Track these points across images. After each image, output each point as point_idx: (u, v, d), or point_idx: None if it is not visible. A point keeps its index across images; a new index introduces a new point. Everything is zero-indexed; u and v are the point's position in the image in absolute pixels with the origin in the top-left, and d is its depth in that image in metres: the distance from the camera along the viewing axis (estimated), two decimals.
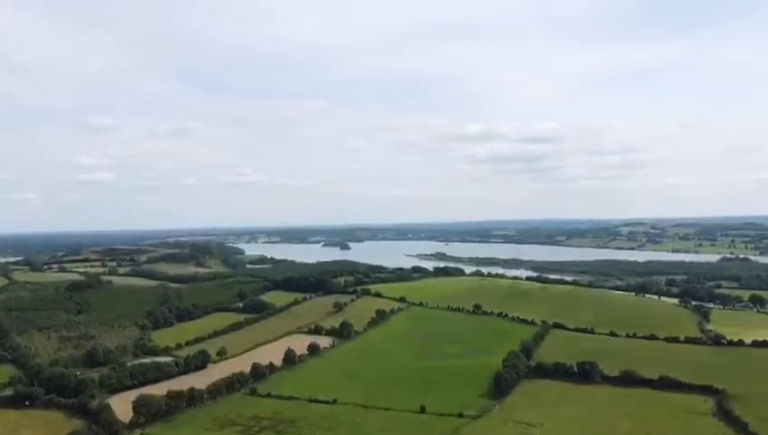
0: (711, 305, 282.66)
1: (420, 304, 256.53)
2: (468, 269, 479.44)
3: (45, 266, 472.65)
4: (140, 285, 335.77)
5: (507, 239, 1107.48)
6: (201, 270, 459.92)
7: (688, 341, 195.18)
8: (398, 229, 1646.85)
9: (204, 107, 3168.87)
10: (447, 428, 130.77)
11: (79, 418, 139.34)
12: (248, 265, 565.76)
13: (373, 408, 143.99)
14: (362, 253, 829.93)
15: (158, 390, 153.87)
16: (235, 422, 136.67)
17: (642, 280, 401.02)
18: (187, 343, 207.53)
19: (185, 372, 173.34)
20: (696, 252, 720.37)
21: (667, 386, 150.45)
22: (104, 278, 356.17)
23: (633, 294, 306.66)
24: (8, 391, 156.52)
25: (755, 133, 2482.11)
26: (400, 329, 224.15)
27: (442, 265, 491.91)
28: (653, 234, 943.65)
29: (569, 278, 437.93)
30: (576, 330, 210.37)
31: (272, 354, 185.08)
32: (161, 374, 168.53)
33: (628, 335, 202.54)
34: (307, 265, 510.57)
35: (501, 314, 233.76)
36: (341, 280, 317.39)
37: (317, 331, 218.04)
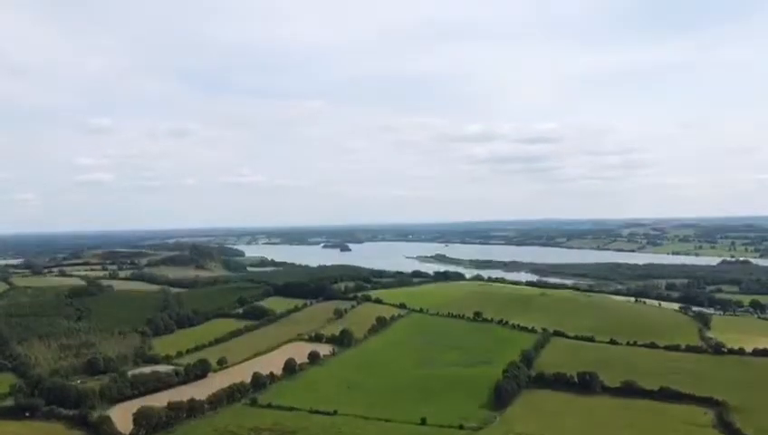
0: (711, 311, 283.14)
1: (420, 311, 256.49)
2: (468, 272, 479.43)
3: (45, 270, 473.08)
4: (141, 290, 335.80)
5: (507, 241, 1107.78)
6: (202, 274, 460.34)
7: (689, 349, 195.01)
8: (397, 229, 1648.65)
9: (204, 107, 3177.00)
10: None
11: (79, 429, 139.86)
12: (249, 268, 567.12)
13: (374, 419, 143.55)
14: (362, 254, 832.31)
15: (159, 400, 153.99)
16: (235, 434, 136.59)
17: (642, 284, 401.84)
18: (188, 351, 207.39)
19: (185, 382, 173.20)
20: (697, 254, 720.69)
21: (667, 397, 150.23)
22: (105, 283, 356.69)
23: (633, 299, 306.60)
24: (8, 402, 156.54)
25: (755, 133, 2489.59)
26: (401, 336, 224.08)
27: (442, 268, 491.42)
28: (653, 235, 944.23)
29: (569, 282, 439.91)
30: (576, 338, 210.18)
31: (272, 363, 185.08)
32: (162, 384, 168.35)
33: (628, 343, 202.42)
34: (307, 267, 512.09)
35: (501, 321, 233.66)
36: (342, 285, 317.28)
37: (317, 338, 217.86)
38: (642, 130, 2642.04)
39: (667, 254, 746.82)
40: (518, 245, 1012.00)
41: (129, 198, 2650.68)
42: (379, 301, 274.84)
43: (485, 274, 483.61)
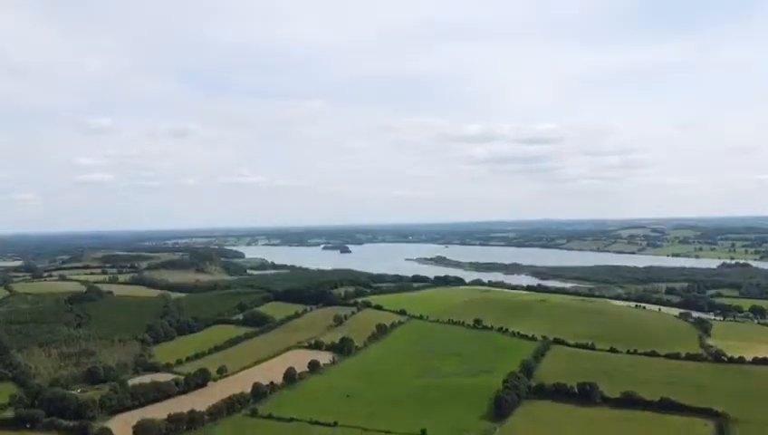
0: (711, 317, 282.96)
1: (420, 318, 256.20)
2: (469, 275, 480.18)
3: (45, 274, 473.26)
4: (141, 296, 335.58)
5: (507, 242, 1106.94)
6: (202, 277, 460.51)
7: (689, 357, 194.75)
8: (397, 229, 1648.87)
9: (204, 107, 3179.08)
10: None
11: None
12: (248, 271, 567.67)
13: (374, 431, 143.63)
14: (362, 256, 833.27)
15: (159, 410, 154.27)
16: None
17: (642, 288, 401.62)
18: (188, 359, 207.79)
19: (185, 392, 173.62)
20: (697, 256, 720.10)
21: (667, 408, 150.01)
22: (105, 288, 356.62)
23: (634, 304, 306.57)
24: (9, 412, 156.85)
25: (755, 133, 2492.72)
26: (401, 344, 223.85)
27: (442, 271, 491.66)
28: (653, 237, 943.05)
29: (569, 285, 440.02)
30: (577, 346, 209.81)
31: (272, 371, 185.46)
32: (162, 394, 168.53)
33: (628, 352, 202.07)
34: (307, 270, 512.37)
35: (501, 328, 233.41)
36: (342, 291, 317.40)
37: (317, 346, 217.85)
38: (642, 130, 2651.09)
39: (667, 256, 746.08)
40: (518, 246, 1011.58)
41: (128, 199, 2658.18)
42: (379, 307, 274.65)
43: (486, 276, 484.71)
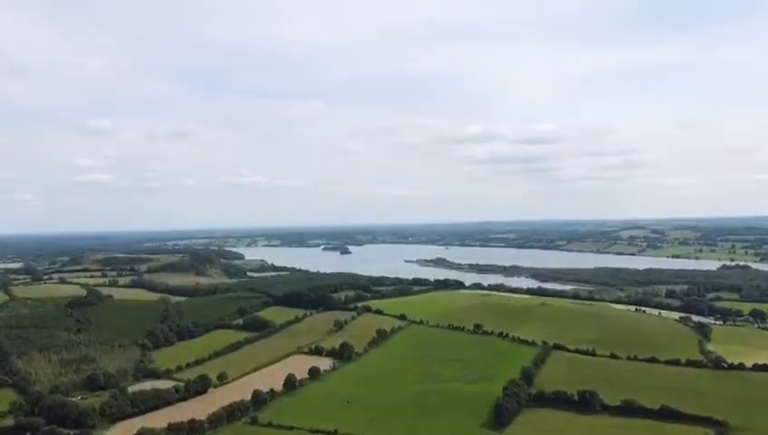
0: (711, 321, 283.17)
1: (420, 322, 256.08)
2: (469, 278, 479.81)
3: (45, 277, 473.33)
4: (141, 300, 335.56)
5: (507, 243, 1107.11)
6: (202, 280, 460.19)
7: (689, 363, 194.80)
8: (397, 230, 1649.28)
9: (203, 107, 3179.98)
10: None
11: None
12: (248, 273, 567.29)
13: None
14: (362, 257, 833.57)
15: (159, 418, 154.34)
16: None
17: (642, 291, 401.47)
18: (188, 365, 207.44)
19: (185, 399, 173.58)
20: (697, 258, 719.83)
21: (667, 416, 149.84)
22: (105, 291, 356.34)
23: (634, 308, 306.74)
24: (9, 420, 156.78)
25: (755, 133, 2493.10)
26: (401, 350, 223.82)
27: (442, 274, 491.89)
28: (653, 238, 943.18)
29: (569, 288, 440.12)
30: (577, 351, 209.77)
31: (272, 378, 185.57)
32: (162, 402, 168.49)
33: (629, 357, 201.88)
34: (307, 272, 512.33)
35: (501, 333, 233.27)
36: (342, 295, 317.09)
37: (317, 351, 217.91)
38: (642, 130, 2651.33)
39: (667, 257, 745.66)
40: (518, 247, 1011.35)
41: (128, 199, 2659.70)
42: (379, 311, 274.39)
43: (486, 279, 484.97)
